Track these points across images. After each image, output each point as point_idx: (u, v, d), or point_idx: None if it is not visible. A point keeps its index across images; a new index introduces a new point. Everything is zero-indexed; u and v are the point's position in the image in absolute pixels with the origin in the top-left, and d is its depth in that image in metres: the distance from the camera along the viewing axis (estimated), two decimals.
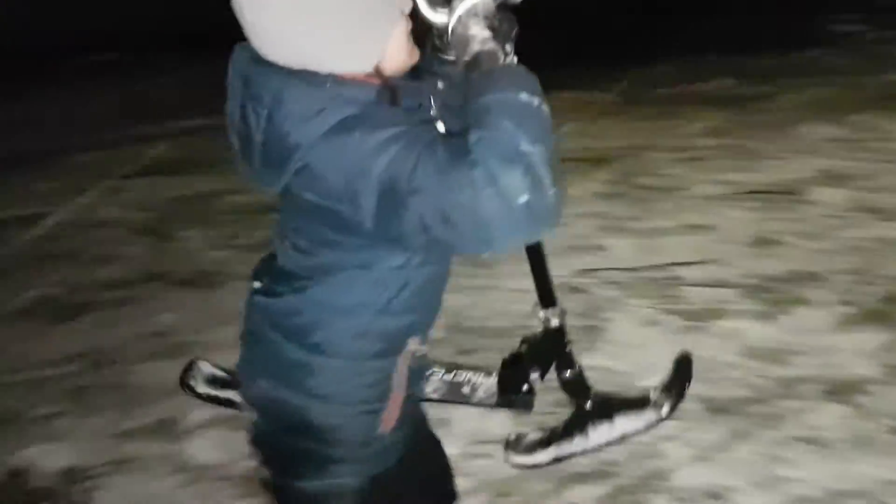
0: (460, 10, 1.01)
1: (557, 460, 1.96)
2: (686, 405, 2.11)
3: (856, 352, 2.45)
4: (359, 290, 1.06)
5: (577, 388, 1.98)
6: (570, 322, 1.99)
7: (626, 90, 5.30)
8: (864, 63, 5.21)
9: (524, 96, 0.92)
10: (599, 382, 2.06)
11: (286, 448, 1.14)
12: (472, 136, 0.90)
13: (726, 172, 3.72)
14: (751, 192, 3.49)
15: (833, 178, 3.53)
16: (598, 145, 4.32)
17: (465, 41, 1.01)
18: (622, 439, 1.96)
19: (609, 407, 1.97)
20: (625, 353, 2.56)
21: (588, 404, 1.97)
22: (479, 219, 0.89)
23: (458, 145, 0.91)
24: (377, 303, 1.07)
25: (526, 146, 0.88)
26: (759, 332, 2.60)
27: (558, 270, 2.10)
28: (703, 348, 2.47)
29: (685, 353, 2.13)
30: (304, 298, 1.08)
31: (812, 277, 2.84)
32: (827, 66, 5.27)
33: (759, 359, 2.47)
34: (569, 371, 1.96)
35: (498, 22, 1.02)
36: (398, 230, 0.93)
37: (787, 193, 3.42)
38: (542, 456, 1.96)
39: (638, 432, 1.96)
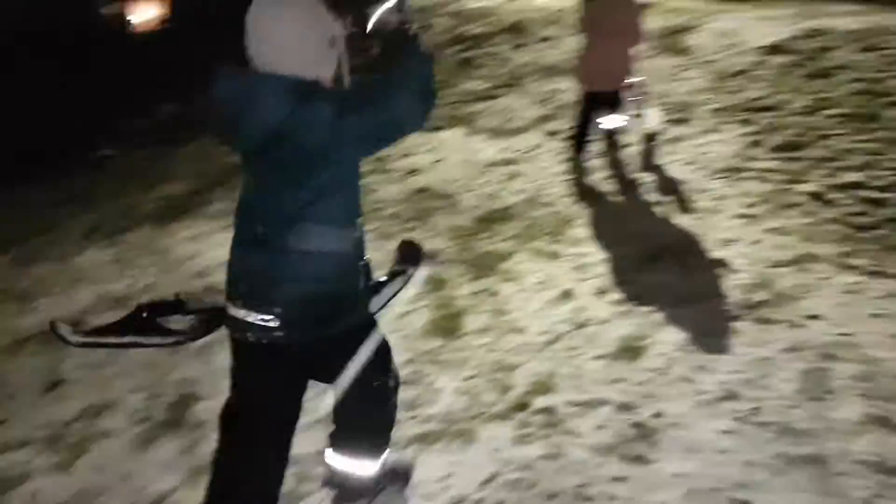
0: (381, 8, 1.86)
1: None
2: None
3: (158, 466, 2.56)
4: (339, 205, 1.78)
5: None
6: None
7: None
8: (131, 182, 5.53)
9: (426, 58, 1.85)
10: None
11: (318, 315, 1.76)
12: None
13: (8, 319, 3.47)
14: None
15: (112, 301, 3.65)
16: None
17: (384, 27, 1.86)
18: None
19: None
20: None
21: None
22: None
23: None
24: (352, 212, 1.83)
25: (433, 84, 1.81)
26: (55, 485, 2.48)
27: None
28: None
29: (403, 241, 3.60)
30: (306, 229, 1.72)
31: (106, 406, 2.87)
32: (101, 191, 5.45)
33: None
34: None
35: (401, 12, 1.85)
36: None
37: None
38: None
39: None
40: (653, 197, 4.12)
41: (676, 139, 4.69)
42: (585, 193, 4.26)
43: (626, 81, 4.40)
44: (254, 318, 1.73)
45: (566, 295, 3.37)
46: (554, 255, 3.73)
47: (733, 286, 3.21)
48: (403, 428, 2.64)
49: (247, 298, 1.74)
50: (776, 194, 3.91)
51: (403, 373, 2.92)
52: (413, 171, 4.85)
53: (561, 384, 2.73)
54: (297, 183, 1.67)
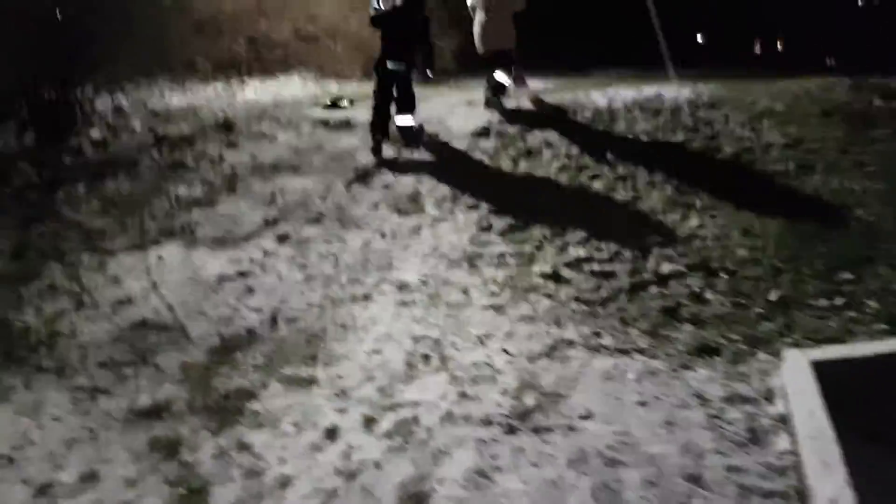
0: None
1: None
2: None
3: None
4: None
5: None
6: None
7: None
8: None
9: None
10: None
11: (409, 64, 5.71)
12: None
13: None
14: None
15: None
16: None
17: None
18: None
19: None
20: None
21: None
22: None
23: None
24: None
25: None
26: None
27: None
28: None
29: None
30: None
31: None
32: None
33: None
34: None
35: None
36: None
37: None
38: None
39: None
40: (399, 297, 3.92)
41: (415, 229, 4.59)
42: (332, 301, 3.92)
43: (512, 41, 6.01)
44: (396, 65, 5.49)
45: (331, 434, 2.95)
46: (310, 382, 3.30)
47: (502, 392, 3.07)
48: None
49: (394, 59, 5.51)
50: (516, 278, 3.94)
51: None
52: (124, 302, 4.08)
53: None
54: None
